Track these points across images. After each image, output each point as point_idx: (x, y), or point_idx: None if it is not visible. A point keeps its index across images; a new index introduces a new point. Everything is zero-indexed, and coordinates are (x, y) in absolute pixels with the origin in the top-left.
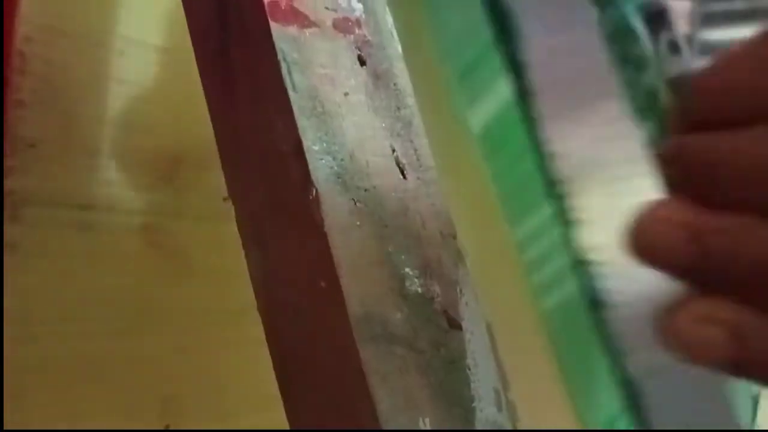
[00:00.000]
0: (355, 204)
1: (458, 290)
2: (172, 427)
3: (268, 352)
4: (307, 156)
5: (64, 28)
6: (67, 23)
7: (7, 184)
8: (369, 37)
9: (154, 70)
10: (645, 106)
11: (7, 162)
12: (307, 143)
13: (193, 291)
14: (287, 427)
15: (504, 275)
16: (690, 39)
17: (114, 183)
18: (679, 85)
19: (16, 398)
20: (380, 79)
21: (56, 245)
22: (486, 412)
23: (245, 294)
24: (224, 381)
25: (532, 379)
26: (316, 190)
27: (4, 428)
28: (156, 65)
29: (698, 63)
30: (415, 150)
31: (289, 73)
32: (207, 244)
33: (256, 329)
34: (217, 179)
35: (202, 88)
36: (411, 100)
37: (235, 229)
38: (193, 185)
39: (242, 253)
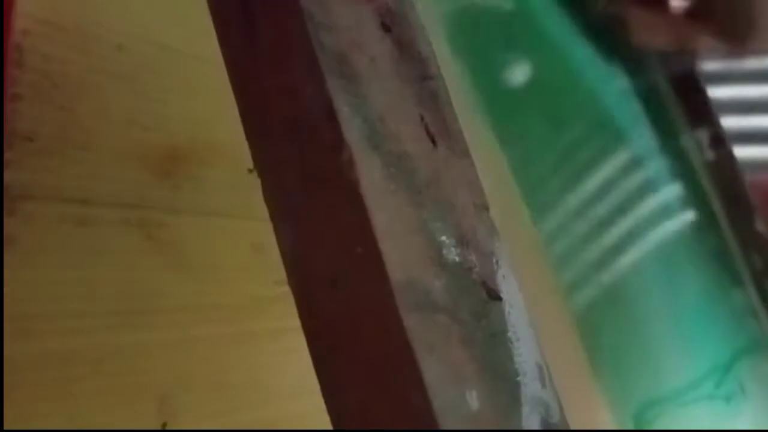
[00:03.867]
0: (389, 168)
1: (495, 262)
2: (169, 426)
3: (266, 347)
4: (338, 117)
5: (62, 21)
6: (65, 17)
7: (4, 177)
8: (391, 5)
9: (152, 64)
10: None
11: (4, 156)
12: (337, 104)
13: (190, 286)
14: (286, 424)
15: (529, 268)
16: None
17: (111, 178)
18: None
19: (12, 393)
20: (405, 47)
21: (53, 239)
22: (531, 388)
23: (242, 288)
24: (222, 378)
25: (560, 368)
26: (351, 151)
27: (4, 428)
28: (154, 60)
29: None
30: (444, 120)
31: (317, 33)
32: (204, 239)
33: (253, 324)
34: (214, 174)
35: (200, 84)
36: (436, 70)
37: (233, 224)
38: (191, 180)
39: (239, 248)
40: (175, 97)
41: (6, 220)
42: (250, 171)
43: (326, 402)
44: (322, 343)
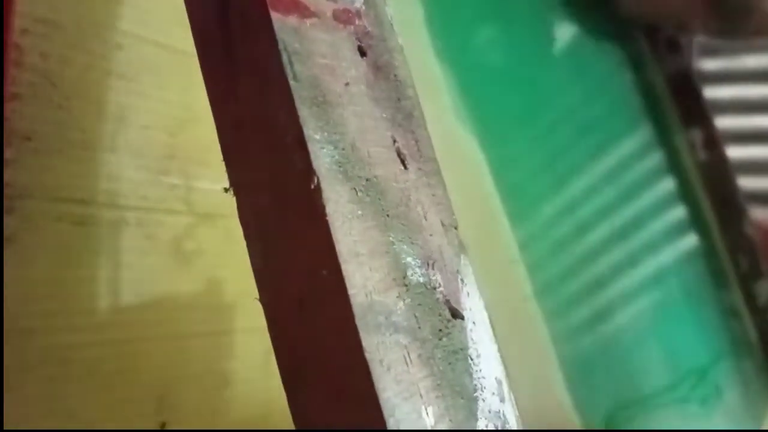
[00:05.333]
0: (357, 193)
1: (460, 280)
2: (167, 425)
3: (265, 345)
4: (309, 145)
5: (61, 20)
6: (64, 16)
7: (3, 176)
8: (369, 29)
9: (150, 63)
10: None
11: (4, 155)
12: (308, 132)
13: (187, 285)
14: (286, 421)
15: (503, 270)
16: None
17: (109, 177)
18: None
19: (11, 393)
20: (381, 70)
21: (51, 239)
22: (488, 402)
23: (238, 286)
24: (220, 376)
25: (531, 370)
26: (318, 179)
27: (4, 428)
28: (153, 60)
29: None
30: (416, 141)
31: (290, 63)
32: (201, 238)
33: (252, 322)
34: (211, 174)
35: (198, 83)
36: (412, 92)
37: (229, 223)
38: (188, 180)
39: (235, 246)
40: (173, 95)
41: (5, 219)
42: (225, 190)
43: (292, 415)
44: (290, 360)
